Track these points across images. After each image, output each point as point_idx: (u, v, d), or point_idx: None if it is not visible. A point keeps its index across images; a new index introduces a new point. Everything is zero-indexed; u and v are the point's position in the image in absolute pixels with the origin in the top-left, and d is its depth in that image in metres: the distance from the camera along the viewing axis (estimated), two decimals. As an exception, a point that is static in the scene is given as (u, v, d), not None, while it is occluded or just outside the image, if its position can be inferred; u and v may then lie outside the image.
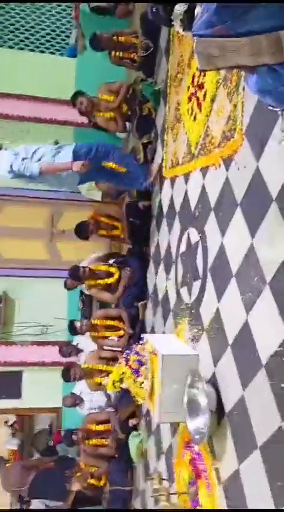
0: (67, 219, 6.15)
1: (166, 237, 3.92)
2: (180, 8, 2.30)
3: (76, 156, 4.15)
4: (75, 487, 4.75)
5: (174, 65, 3.89)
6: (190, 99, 3.39)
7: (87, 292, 5.31)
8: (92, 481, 4.71)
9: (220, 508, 2.51)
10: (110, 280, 4.72)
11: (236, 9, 1.67)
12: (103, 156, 4.29)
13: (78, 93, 4.66)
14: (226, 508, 2.46)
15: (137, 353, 3.31)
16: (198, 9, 1.88)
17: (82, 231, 4.79)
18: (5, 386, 5.98)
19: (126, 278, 4.59)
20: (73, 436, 4.59)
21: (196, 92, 3.25)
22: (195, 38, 1.87)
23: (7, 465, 5.17)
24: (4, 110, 5.79)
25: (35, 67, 5.96)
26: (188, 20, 1.94)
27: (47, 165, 4.02)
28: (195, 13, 1.96)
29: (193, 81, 3.34)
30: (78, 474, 4.74)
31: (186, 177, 3.43)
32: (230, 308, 2.53)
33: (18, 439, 6.52)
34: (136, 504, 4.45)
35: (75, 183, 4.35)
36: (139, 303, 4.46)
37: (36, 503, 5.30)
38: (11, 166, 3.98)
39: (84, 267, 4.68)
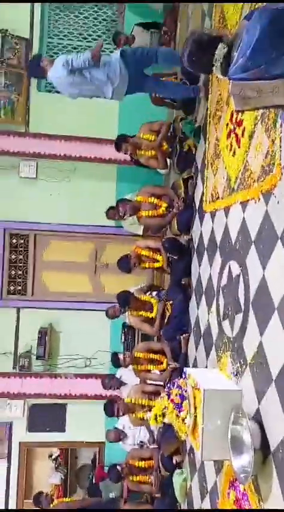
0: (110, 252, 6.30)
1: (207, 270, 3.94)
2: (220, 52, 2.38)
3: (123, 55, 4.24)
4: None
5: (213, 103, 4.01)
6: (229, 135, 3.48)
7: (128, 322, 5.36)
8: None
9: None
10: (151, 315, 4.76)
11: (270, 53, 1.76)
12: (147, 60, 4.34)
13: (120, 140, 4.88)
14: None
15: (179, 387, 3.30)
16: (234, 54, 1.98)
17: (124, 265, 4.89)
18: (49, 419, 6.04)
19: (161, 310, 4.64)
20: (118, 467, 4.54)
21: (234, 128, 3.33)
22: (230, 81, 1.97)
23: (52, 505, 5.15)
24: (52, 151, 6.11)
25: (80, 109, 6.27)
26: (226, 64, 2.03)
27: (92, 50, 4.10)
28: (232, 57, 2.06)
29: (231, 119, 3.43)
30: None
31: (226, 210, 3.47)
32: (274, 342, 2.50)
33: (61, 473, 6.50)
34: None
35: (122, 92, 4.39)
36: (182, 336, 4.44)
37: None
38: (66, 61, 4.06)
39: (132, 293, 4.78)
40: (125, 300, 4.78)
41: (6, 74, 6.16)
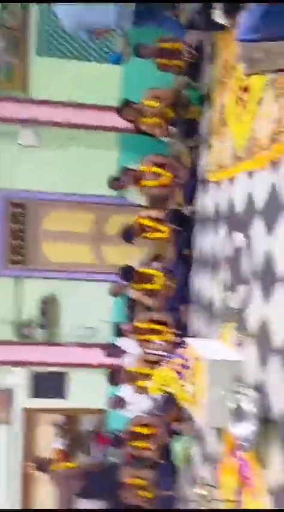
0: (112, 223, 6.23)
1: (211, 241, 3.90)
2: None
3: None
4: (131, 501, 4.83)
5: (219, 68, 3.87)
6: (235, 102, 3.37)
7: (132, 296, 5.38)
8: (142, 493, 4.76)
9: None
10: (154, 287, 4.76)
11: (281, 14, 1.67)
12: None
13: (123, 104, 4.75)
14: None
15: (181, 357, 3.31)
16: (240, 16, 1.89)
17: (126, 235, 4.86)
18: (52, 386, 6.14)
19: (165, 284, 4.63)
20: (120, 434, 4.64)
21: (242, 95, 3.23)
22: (239, 43, 1.88)
23: (52, 468, 5.28)
24: (53, 117, 5.95)
25: (82, 75, 6.10)
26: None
27: None
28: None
29: (238, 85, 3.32)
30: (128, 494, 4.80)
31: (231, 180, 3.40)
32: (277, 313, 2.49)
33: (63, 438, 6.65)
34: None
35: (128, 16, 3.93)
36: (184, 307, 4.45)
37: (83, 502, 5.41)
38: None
39: (134, 268, 4.76)
40: (127, 274, 4.77)
41: (4, 37, 5.95)
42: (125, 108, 4.71)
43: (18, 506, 6.08)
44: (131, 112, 4.66)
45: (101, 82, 6.03)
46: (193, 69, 4.43)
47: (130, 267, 4.81)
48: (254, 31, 1.76)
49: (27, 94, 6.04)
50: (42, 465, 5.28)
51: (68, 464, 5.49)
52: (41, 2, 5.73)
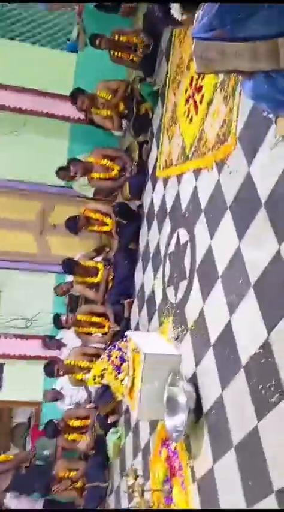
0: (58, 213, 6.13)
1: (156, 236, 3.95)
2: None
3: None
4: (61, 494, 4.79)
5: (174, 66, 3.92)
6: (187, 101, 3.43)
7: (75, 294, 5.36)
8: (74, 485, 4.74)
9: (197, 509, 2.54)
10: (96, 280, 4.76)
11: (237, 13, 1.70)
12: None
13: (78, 91, 4.69)
14: (200, 508, 2.49)
15: (120, 349, 3.34)
16: (198, 13, 1.91)
17: (72, 226, 4.80)
18: (-15, 377, 5.95)
19: (106, 276, 4.65)
20: (55, 422, 4.59)
21: (193, 94, 3.29)
22: (194, 40, 1.90)
23: None
24: (1, 101, 5.76)
25: (35, 60, 5.94)
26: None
27: None
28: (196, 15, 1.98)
29: (191, 84, 3.38)
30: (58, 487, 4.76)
31: (179, 178, 3.46)
32: (215, 309, 2.56)
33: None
34: (111, 500, 4.47)
35: None
36: (126, 301, 4.48)
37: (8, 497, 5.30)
38: None
39: (77, 261, 4.73)
40: (70, 267, 4.74)
41: None
42: (78, 96, 4.65)
43: None
44: (84, 101, 4.61)
45: (55, 68, 5.91)
46: (148, 64, 4.45)
47: (73, 260, 4.77)
48: (210, 29, 1.79)
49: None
50: None
51: None
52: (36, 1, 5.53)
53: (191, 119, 3.29)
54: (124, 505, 4.00)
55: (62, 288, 5.24)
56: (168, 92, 3.99)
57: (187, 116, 3.38)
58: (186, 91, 3.48)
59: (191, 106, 3.31)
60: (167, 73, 4.06)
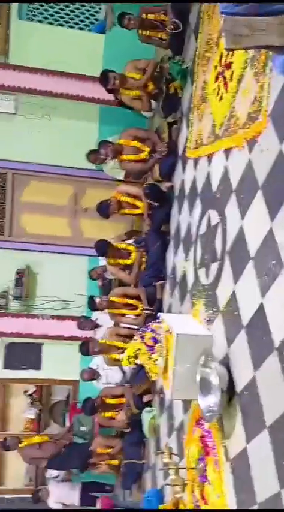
0: (90, 197, 6.19)
1: (186, 218, 3.93)
2: None
3: None
4: (101, 470, 4.97)
5: (203, 43, 3.82)
6: (217, 78, 3.35)
7: (109, 277, 5.43)
8: (110, 462, 4.88)
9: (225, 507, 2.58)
10: (128, 261, 4.78)
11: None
12: None
13: (106, 74, 4.66)
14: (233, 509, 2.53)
15: (153, 331, 3.37)
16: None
17: (103, 210, 4.83)
18: (26, 357, 6.17)
19: (139, 259, 4.66)
20: (92, 400, 4.72)
21: (223, 71, 3.21)
22: (222, 16, 1.85)
23: (20, 445, 5.31)
24: (32, 85, 5.80)
25: (64, 42, 5.94)
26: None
27: None
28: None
29: (220, 61, 3.29)
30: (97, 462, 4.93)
31: (209, 158, 3.41)
32: (247, 291, 2.54)
33: (36, 408, 6.74)
34: (147, 477, 4.59)
35: None
36: (158, 283, 4.50)
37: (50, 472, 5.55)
38: None
39: (110, 243, 4.78)
40: (102, 248, 4.78)
41: (-15, -3, 5.71)
42: (108, 76, 4.62)
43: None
44: (114, 81, 4.58)
45: (83, 50, 5.90)
46: (176, 42, 4.35)
47: (106, 241, 4.81)
48: (237, 4, 1.74)
49: (8, 59, 5.85)
50: (9, 446, 5.33)
51: (36, 438, 5.52)
52: (40, 1, 5.52)
53: (221, 97, 3.21)
54: (160, 481, 4.10)
55: (97, 272, 5.33)
56: (198, 70, 3.90)
57: (217, 93, 3.30)
58: (216, 68, 3.39)
59: (221, 83, 3.23)
60: (196, 50, 3.97)
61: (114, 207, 4.78)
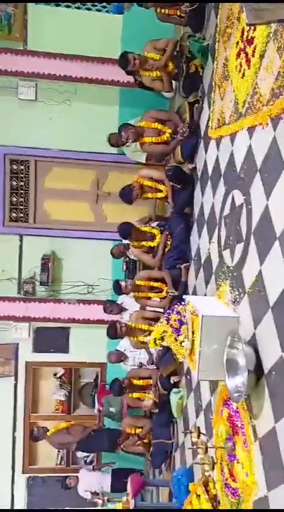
0: (112, 181, 6.20)
1: (210, 199, 3.89)
2: None
3: None
4: (130, 449, 5.08)
5: (223, 19, 3.72)
6: (238, 55, 3.27)
7: (131, 256, 5.43)
8: (140, 442, 4.98)
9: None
10: (152, 244, 4.78)
11: None
12: None
13: (126, 53, 4.61)
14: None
15: (178, 313, 3.39)
16: None
17: (126, 195, 4.83)
18: (54, 341, 6.32)
19: (164, 241, 4.65)
20: (120, 380, 4.81)
21: (245, 47, 3.12)
22: (243, -11, 1.80)
23: (48, 433, 5.43)
24: (51, 70, 5.80)
25: (81, 25, 5.89)
26: None
27: None
28: None
29: (242, 36, 3.20)
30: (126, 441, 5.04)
31: (232, 137, 3.35)
32: (273, 271, 2.52)
33: (65, 390, 6.90)
34: (177, 456, 4.67)
35: None
36: (182, 265, 4.50)
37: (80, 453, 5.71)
38: None
39: (133, 225, 4.76)
40: (126, 231, 4.78)
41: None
42: (126, 60, 4.57)
43: (21, 458, 6.36)
44: (134, 62, 4.52)
45: (101, 32, 5.85)
46: (196, 19, 4.25)
47: (129, 224, 4.82)
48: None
49: (26, 45, 5.85)
50: (37, 436, 5.50)
51: (63, 424, 5.62)
52: (44, 2, 5.46)
53: (243, 74, 3.14)
54: (189, 460, 4.17)
55: (119, 248, 5.25)
56: (219, 47, 3.81)
57: (239, 70, 3.22)
58: (237, 44, 3.31)
59: (243, 60, 3.15)
60: (217, 27, 3.87)
61: (137, 192, 4.77)
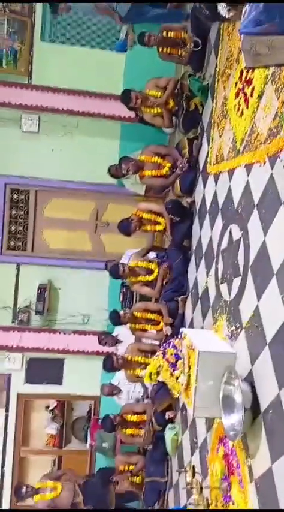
0: (111, 211, 6.25)
1: (208, 233, 3.92)
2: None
3: None
4: (122, 487, 4.86)
5: (223, 59, 3.86)
6: (237, 94, 3.37)
7: (128, 286, 5.41)
8: (132, 479, 4.82)
9: (252, 508, 2.52)
10: (150, 278, 4.76)
11: (285, 6, 1.66)
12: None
13: (127, 92, 4.75)
14: (256, 508, 2.47)
15: (175, 347, 3.35)
16: (245, 8, 1.88)
17: (125, 228, 4.85)
18: (47, 372, 6.20)
19: (162, 274, 4.65)
20: (112, 417, 4.68)
21: (243, 87, 3.22)
22: (242, 35, 1.88)
23: (34, 499, 4.70)
24: (55, 104, 5.95)
25: (86, 61, 6.07)
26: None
27: None
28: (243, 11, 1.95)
29: (241, 77, 3.31)
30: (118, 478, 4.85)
31: (230, 173, 3.41)
32: (270, 307, 2.51)
33: (57, 424, 6.74)
34: (170, 495, 4.52)
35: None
36: (179, 298, 4.48)
37: None
38: None
39: (123, 265, 4.75)
40: (115, 274, 4.76)
41: (9, 21, 5.89)
42: (127, 97, 4.70)
43: (9, 495, 6.12)
44: (137, 100, 4.66)
45: (104, 69, 6.02)
46: (197, 59, 4.40)
47: (117, 264, 4.78)
48: (257, 24, 1.76)
49: (31, 80, 6.02)
50: (22, 496, 4.81)
51: (49, 496, 4.72)
52: (44, 1, 5.68)
53: (242, 113, 3.23)
54: (183, 500, 4.03)
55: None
56: (218, 86, 3.93)
57: (238, 109, 3.32)
58: (236, 84, 3.41)
59: (241, 99, 3.25)
60: (216, 67, 4.01)
61: (136, 224, 4.80)
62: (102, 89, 5.91)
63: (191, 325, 4.22)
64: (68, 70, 6.00)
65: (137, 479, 4.84)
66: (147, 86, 4.78)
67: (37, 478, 5.75)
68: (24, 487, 4.81)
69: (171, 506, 4.39)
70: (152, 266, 4.74)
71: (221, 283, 3.42)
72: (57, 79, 5.96)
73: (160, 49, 4.65)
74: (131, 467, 4.87)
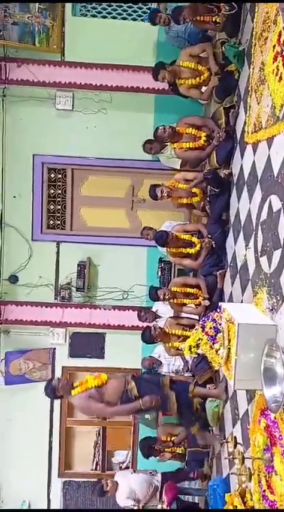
0: (147, 187, 6.17)
1: (246, 205, 3.84)
2: None
3: None
4: (165, 458, 4.97)
5: (260, 22, 3.69)
6: (275, 58, 3.22)
7: (170, 259, 5.37)
8: (174, 449, 4.92)
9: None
10: (191, 251, 4.71)
11: None
12: None
13: (159, 66, 4.63)
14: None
15: (214, 320, 3.35)
16: None
17: (154, 193, 4.84)
18: (90, 346, 6.37)
19: (206, 248, 4.59)
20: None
21: (282, 50, 3.08)
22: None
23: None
24: (88, 80, 5.91)
25: (118, 34, 5.96)
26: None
27: None
28: None
29: (279, 40, 3.16)
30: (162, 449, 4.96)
31: (270, 141, 3.30)
32: None
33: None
34: (213, 465, 4.59)
35: None
36: (218, 272, 4.45)
37: None
38: None
39: (171, 233, 4.71)
40: (163, 239, 4.73)
41: (41, -2, 5.85)
42: (159, 72, 4.59)
43: (57, 462, 6.43)
44: (164, 77, 4.56)
45: (137, 41, 5.90)
46: (232, 24, 4.23)
47: (165, 232, 4.79)
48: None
49: (64, 57, 5.99)
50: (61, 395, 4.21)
51: (96, 381, 4.11)
52: (52, 1, 5.60)
53: (281, 77, 3.09)
54: (226, 471, 4.09)
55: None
56: (255, 51, 3.78)
57: (276, 74, 3.18)
58: (274, 47, 3.26)
59: (280, 63, 3.11)
60: (253, 31, 3.84)
61: (166, 191, 4.76)
62: (135, 61, 5.81)
63: (230, 300, 4.19)
64: (100, 44, 5.92)
65: (179, 450, 4.93)
66: (181, 57, 4.65)
67: (83, 448, 6.00)
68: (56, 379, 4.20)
69: (214, 475, 4.46)
70: (194, 240, 4.68)
71: (261, 256, 3.36)
72: (89, 54, 5.90)
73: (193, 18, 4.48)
74: (173, 438, 4.97)
